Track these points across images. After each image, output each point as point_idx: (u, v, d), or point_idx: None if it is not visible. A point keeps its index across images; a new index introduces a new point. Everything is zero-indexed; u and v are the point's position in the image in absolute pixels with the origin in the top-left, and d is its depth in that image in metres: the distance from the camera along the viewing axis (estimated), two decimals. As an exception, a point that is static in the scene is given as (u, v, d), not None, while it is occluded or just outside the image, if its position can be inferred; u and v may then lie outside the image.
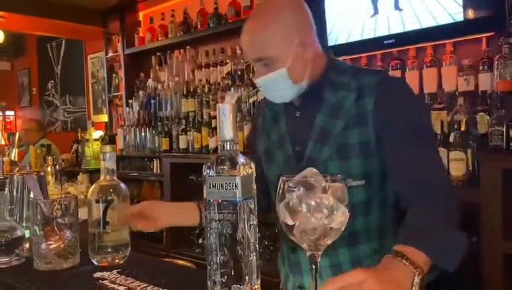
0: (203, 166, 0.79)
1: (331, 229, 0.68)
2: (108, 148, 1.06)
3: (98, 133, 4.40)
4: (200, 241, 3.43)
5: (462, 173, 2.07)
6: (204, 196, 0.79)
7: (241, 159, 0.78)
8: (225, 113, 0.78)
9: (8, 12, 4.00)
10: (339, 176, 0.72)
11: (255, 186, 0.80)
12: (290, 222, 0.71)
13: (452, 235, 0.94)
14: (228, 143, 0.79)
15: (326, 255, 1.11)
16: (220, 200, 0.77)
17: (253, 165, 0.80)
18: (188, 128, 3.46)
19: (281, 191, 0.72)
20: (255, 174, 0.80)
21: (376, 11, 2.61)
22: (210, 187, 0.78)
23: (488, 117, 2.11)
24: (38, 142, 4.33)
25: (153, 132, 3.76)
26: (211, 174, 0.78)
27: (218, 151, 0.80)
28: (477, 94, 2.25)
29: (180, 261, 1.54)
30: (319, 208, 0.68)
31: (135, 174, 3.76)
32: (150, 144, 3.76)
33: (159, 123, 3.76)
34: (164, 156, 3.57)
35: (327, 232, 0.69)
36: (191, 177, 3.51)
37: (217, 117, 0.79)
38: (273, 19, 1.13)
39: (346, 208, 0.69)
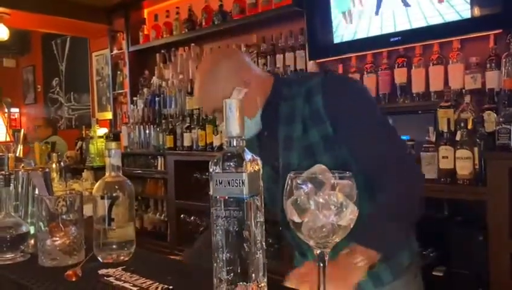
0: (210, 162, 0.78)
1: (339, 227, 0.67)
2: (113, 144, 1.06)
3: (102, 131, 4.40)
4: (204, 239, 3.42)
5: (468, 172, 2.05)
6: (211, 193, 0.78)
7: (248, 156, 0.77)
8: (231, 109, 0.77)
9: (13, 9, 4.01)
10: (347, 173, 0.71)
11: (261, 183, 0.79)
12: (297, 220, 0.70)
13: (386, 226, 1.05)
14: (235, 139, 0.78)
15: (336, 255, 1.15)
16: (226, 197, 0.76)
17: (260, 162, 0.79)
18: (192, 126, 3.46)
19: (288, 188, 0.71)
20: (261, 171, 0.79)
21: (378, 9, 2.59)
22: (216, 184, 0.76)
23: (495, 115, 2.09)
24: (48, 139, 4.35)
25: (158, 129, 3.76)
26: (217, 170, 0.77)
27: (225, 147, 0.79)
28: (485, 92, 2.24)
29: (184, 259, 1.53)
30: (327, 205, 0.66)
31: (139, 171, 3.76)
32: (155, 141, 3.76)
33: (163, 121, 3.76)
34: (168, 154, 3.57)
35: (335, 230, 0.68)
36: (195, 174, 3.50)
37: (224, 113, 0.78)
38: (212, 74, 1.24)
39: (355, 206, 0.68)
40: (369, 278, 1.15)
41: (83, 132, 4.57)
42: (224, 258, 0.77)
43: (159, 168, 3.67)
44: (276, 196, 1.21)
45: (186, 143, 3.47)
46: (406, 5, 2.49)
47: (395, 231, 1.07)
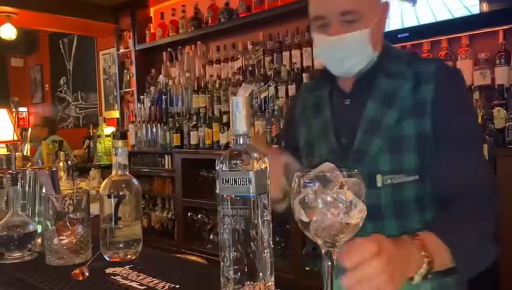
0: (216, 160, 0.77)
1: (348, 225, 0.66)
2: (120, 143, 1.05)
3: (109, 129, 4.42)
4: (211, 237, 3.43)
5: (478, 169, 2.03)
6: (217, 191, 0.77)
7: (255, 154, 0.76)
8: (238, 107, 0.77)
9: (20, 9, 4.03)
10: (355, 170, 0.70)
11: (269, 182, 0.78)
12: (305, 219, 0.69)
13: (482, 245, 0.89)
14: (241, 137, 0.77)
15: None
16: (233, 195, 0.75)
17: (266, 160, 0.78)
18: (199, 124, 3.46)
19: (296, 186, 0.70)
20: (269, 169, 0.78)
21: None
22: (223, 182, 0.76)
23: (505, 112, 2.06)
24: (49, 138, 4.36)
25: (164, 127, 3.76)
26: (223, 168, 0.76)
27: (231, 145, 0.78)
28: (494, 88, 2.21)
29: (192, 257, 1.53)
30: (335, 204, 0.65)
31: (146, 170, 3.77)
32: (161, 140, 3.77)
33: (170, 119, 3.76)
34: (175, 152, 3.57)
35: (344, 229, 0.67)
36: (202, 173, 3.51)
37: (230, 110, 0.77)
38: None
39: (364, 204, 0.67)
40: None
41: (90, 131, 4.59)
42: (231, 257, 0.76)
43: (166, 167, 3.68)
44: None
45: (193, 141, 3.47)
46: (414, 1, 2.46)
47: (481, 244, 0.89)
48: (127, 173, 1.07)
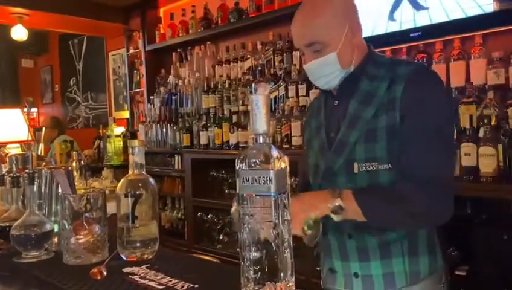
0: (236, 159, 0.77)
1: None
2: (136, 142, 1.05)
3: (119, 130, 4.44)
4: (221, 237, 3.42)
5: (492, 169, 2.00)
6: (237, 190, 0.77)
7: (275, 153, 0.76)
8: (258, 105, 0.76)
9: (31, 10, 4.06)
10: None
11: (288, 181, 0.78)
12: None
13: (391, 209, 1.10)
14: (261, 136, 0.77)
15: (354, 238, 1.22)
16: (253, 195, 0.75)
17: (286, 159, 0.78)
18: (208, 124, 3.45)
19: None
20: (288, 168, 0.78)
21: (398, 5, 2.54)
22: (243, 181, 0.75)
23: (520, 111, 2.04)
24: (60, 138, 4.38)
25: (174, 128, 3.76)
26: (243, 168, 0.76)
27: (251, 144, 0.78)
28: (508, 88, 2.18)
29: (206, 257, 1.53)
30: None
31: (157, 170, 3.78)
32: (171, 140, 3.77)
33: (180, 119, 3.76)
34: (185, 152, 3.57)
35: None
36: (212, 173, 3.51)
37: (250, 109, 0.77)
38: (325, 6, 1.20)
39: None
40: (382, 277, 1.20)
41: (100, 131, 4.61)
42: (251, 257, 0.76)
43: (176, 167, 3.68)
44: (320, 167, 1.24)
45: (203, 141, 3.47)
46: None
47: (395, 211, 1.10)
48: (143, 172, 1.07)
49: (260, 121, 0.76)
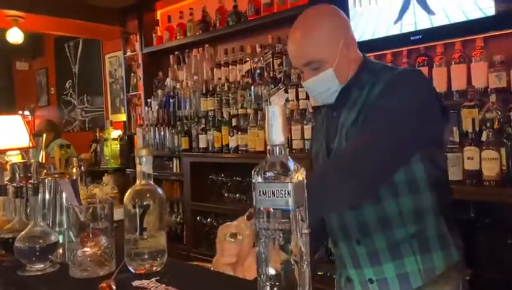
0: (252, 172, 0.75)
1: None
2: (144, 152, 1.03)
3: (116, 133, 4.40)
4: (221, 242, 3.40)
5: (495, 173, 2.00)
6: (254, 204, 0.75)
7: (292, 165, 0.74)
8: (275, 116, 0.74)
9: (27, 12, 4.02)
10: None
11: (306, 194, 0.76)
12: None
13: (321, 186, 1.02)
14: (278, 147, 0.75)
15: (363, 243, 1.22)
16: (271, 209, 0.73)
17: (303, 171, 0.76)
18: (207, 128, 3.43)
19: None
20: (305, 181, 0.76)
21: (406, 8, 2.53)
22: (260, 195, 0.73)
23: (522, 115, 2.03)
24: (56, 142, 4.34)
25: (173, 131, 3.74)
26: (259, 180, 0.74)
27: (268, 156, 0.76)
28: (510, 91, 2.18)
29: (207, 264, 1.50)
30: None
31: (155, 173, 3.67)
32: (170, 143, 3.75)
33: (178, 122, 3.74)
34: (184, 156, 3.55)
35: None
36: (211, 176, 3.48)
37: (266, 120, 0.75)
38: (316, 25, 1.24)
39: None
40: (396, 278, 1.20)
41: (97, 134, 4.57)
42: (268, 272, 0.74)
43: (174, 170, 3.66)
44: None
45: (202, 145, 3.45)
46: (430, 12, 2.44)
47: (336, 181, 1.02)
48: (151, 182, 1.05)
49: (277, 132, 0.74)
